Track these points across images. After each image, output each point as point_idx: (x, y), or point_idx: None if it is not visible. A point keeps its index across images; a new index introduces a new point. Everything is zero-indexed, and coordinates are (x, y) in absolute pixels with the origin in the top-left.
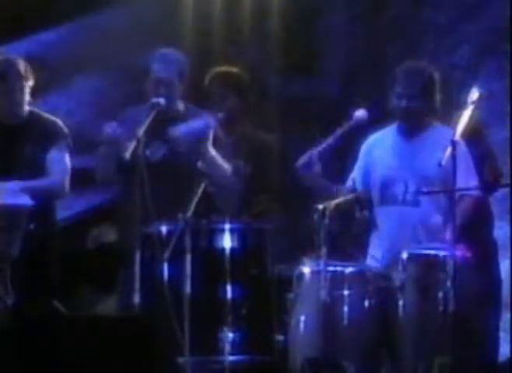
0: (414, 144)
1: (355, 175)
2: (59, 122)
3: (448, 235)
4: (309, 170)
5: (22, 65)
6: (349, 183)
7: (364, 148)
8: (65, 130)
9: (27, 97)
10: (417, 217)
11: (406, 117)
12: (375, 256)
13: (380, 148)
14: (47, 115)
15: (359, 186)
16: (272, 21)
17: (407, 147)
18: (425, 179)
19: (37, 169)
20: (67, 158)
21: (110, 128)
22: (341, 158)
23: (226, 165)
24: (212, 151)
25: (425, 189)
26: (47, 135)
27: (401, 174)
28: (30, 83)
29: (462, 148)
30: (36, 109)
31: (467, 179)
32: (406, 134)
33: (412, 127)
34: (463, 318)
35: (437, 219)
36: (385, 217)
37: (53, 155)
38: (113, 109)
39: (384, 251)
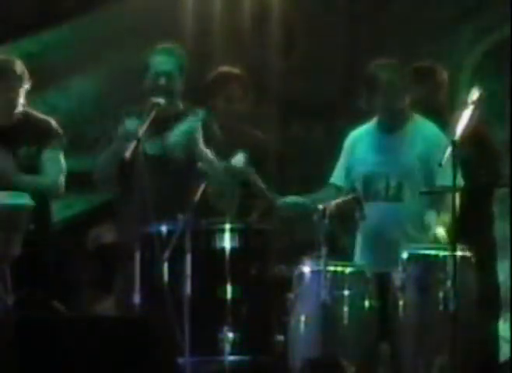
0: (394, 139)
1: (339, 173)
2: (53, 122)
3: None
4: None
5: (19, 66)
6: (332, 180)
7: (346, 145)
8: (59, 130)
9: (22, 98)
10: (402, 212)
11: (391, 115)
12: (359, 252)
13: (361, 144)
14: (41, 115)
15: (342, 184)
16: (272, 21)
17: (387, 142)
18: (406, 173)
19: (32, 169)
20: (62, 158)
21: (130, 124)
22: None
23: (217, 162)
24: (202, 147)
25: (425, 189)
26: (41, 135)
27: (383, 170)
28: (26, 85)
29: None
30: (29, 110)
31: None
32: (386, 130)
33: (393, 123)
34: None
35: (423, 213)
36: (369, 214)
37: (47, 155)
38: (113, 109)
39: (369, 247)
